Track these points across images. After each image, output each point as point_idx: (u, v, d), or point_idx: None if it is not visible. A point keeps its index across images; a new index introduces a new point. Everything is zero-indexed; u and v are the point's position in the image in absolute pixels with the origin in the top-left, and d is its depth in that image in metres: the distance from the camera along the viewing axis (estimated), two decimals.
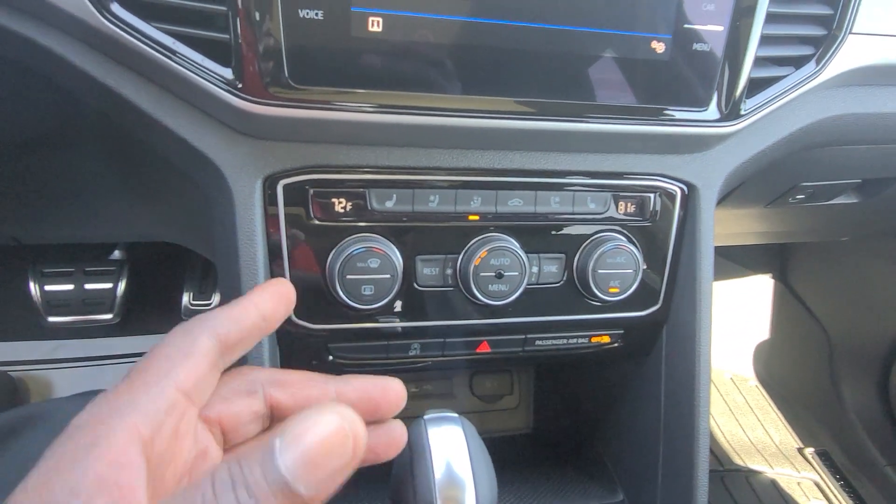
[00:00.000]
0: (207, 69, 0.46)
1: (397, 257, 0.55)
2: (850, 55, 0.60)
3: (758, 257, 1.65)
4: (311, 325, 0.56)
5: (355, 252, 0.53)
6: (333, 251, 0.54)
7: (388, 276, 0.54)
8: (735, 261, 1.68)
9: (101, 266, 1.26)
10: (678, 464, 0.66)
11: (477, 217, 0.57)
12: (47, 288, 1.22)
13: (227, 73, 0.46)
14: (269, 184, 0.52)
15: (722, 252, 1.67)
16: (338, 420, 0.25)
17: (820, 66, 0.59)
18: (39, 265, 1.22)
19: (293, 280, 0.54)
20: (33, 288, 1.21)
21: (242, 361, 0.52)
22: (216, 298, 1.33)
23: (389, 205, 0.55)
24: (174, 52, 0.45)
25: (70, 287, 1.22)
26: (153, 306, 1.34)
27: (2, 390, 1.28)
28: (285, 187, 0.52)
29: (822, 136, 0.67)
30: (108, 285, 1.25)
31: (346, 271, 0.53)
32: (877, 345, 1.43)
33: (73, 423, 0.27)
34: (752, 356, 1.74)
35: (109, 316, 1.26)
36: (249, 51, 0.45)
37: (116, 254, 1.29)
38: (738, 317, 1.72)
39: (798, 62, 0.59)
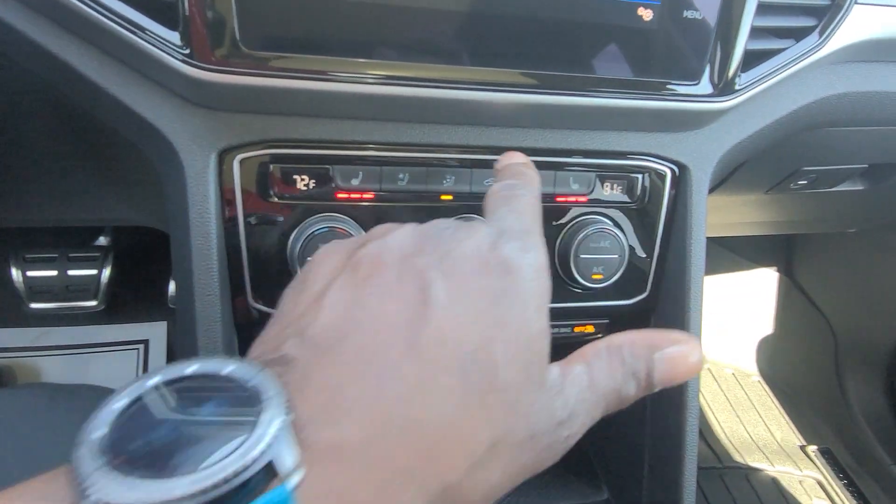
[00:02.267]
0: (152, 32, 0.42)
1: None
2: (855, 27, 0.56)
3: (763, 250, 1.61)
4: (272, 310, 0.53)
5: (318, 232, 0.50)
6: (295, 231, 0.51)
7: None
8: (739, 254, 1.64)
9: (86, 252, 1.23)
10: (664, 461, 0.62)
11: (450, 197, 0.54)
12: (30, 273, 1.19)
13: (174, 36, 0.42)
14: (225, 158, 0.49)
15: (725, 244, 1.63)
16: (699, 358, 0.33)
17: (822, 38, 0.55)
18: (22, 250, 1.20)
19: (251, 262, 0.51)
20: (15, 273, 1.18)
21: (193, 351, 0.49)
22: None
23: (355, 183, 0.51)
24: (116, 14, 0.42)
25: (53, 273, 1.20)
26: (139, 294, 1.32)
27: None
28: (242, 162, 0.49)
29: (825, 115, 0.62)
30: (93, 272, 1.22)
31: (308, 253, 0.50)
32: (884, 341, 1.38)
33: None
34: (756, 351, 1.70)
35: (94, 303, 1.23)
36: (197, 11, 0.41)
37: (101, 240, 1.26)
38: (741, 311, 1.68)
39: (799, 34, 0.55)
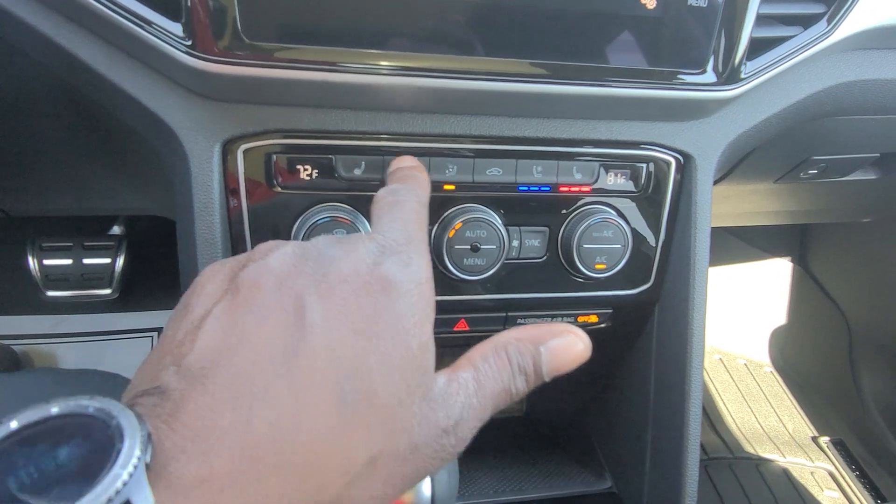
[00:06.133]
0: (156, 24, 0.43)
1: (365, 228, 0.52)
2: (865, 14, 0.55)
3: (777, 240, 1.60)
4: None
5: (320, 222, 0.50)
6: (298, 221, 0.51)
7: None
8: (753, 243, 1.63)
9: (100, 241, 1.25)
10: (667, 451, 0.63)
11: (452, 186, 0.54)
12: (46, 262, 1.21)
13: (177, 28, 0.43)
14: (229, 148, 0.49)
15: (739, 233, 1.61)
16: (584, 346, 0.35)
17: (831, 25, 0.54)
18: (38, 239, 1.22)
19: None
20: (32, 262, 1.20)
21: None
22: None
23: (357, 172, 0.52)
24: (120, 6, 0.42)
25: (69, 261, 1.22)
26: (152, 282, 1.34)
27: (5, 363, 1.28)
28: (246, 152, 0.49)
29: (834, 104, 0.62)
30: (107, 260, 1.24)
31: None
32: None
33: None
34: (768, 342, 1.68)
35: (108, 291, 1.25)
36: (199, 2, 0.41)
37: (116, 229, 1.28)
38: (754, 301, 1.67)
39: (807, 21, 0.54)
